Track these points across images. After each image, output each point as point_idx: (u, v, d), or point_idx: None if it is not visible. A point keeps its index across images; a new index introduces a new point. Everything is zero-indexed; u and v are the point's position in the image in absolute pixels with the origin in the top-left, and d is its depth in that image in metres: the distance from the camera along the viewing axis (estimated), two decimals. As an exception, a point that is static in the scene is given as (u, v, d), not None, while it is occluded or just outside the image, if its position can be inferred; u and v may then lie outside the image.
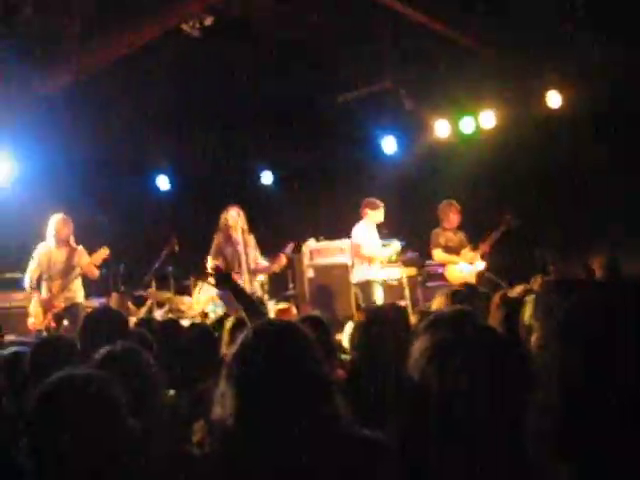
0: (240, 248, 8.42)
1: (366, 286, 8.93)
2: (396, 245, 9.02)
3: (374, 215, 9.09)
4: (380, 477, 1.87)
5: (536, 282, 6.04)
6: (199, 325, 5.56)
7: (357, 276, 9.08)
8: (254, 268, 8.54)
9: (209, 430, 2.05)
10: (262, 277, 9.03)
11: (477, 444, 1.45)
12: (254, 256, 8.58)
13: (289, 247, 8.82)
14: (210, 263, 8.10)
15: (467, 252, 9.07)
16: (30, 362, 3.42)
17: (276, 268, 8.69)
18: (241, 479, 1.86)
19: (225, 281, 3.89)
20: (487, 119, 10.36)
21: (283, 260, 8.58)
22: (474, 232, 9.36)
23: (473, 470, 1.44)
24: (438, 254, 9.17)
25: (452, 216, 9.13)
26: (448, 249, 9.12)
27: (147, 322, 5.42)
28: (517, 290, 4.92)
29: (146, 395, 2.36)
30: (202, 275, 9.17)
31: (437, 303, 4.65)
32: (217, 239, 8.53)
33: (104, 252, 8.31)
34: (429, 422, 1.52)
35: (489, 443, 1.45)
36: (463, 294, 4.61)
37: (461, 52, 9.72)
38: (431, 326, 1.64)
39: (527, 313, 2.72)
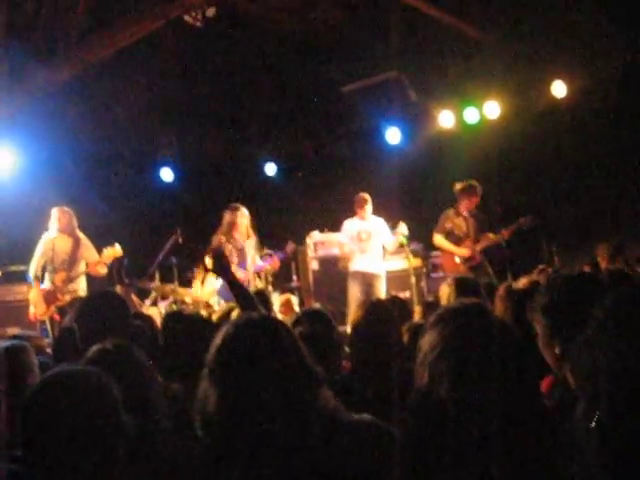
0: (242, 245, 8.43)
1: (348, 278, 9.06)
2: (403, 229, 8.89)
3: (365, 210, 9.10)
4: (376, 458, 1.86)
5: (541, 273, 6.02)
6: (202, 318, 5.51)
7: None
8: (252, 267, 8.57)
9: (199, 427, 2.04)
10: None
11: (491, 441, 1.43)
12: (253, 256, 8.58)
13: (289, 248, 8.87)
14: (209, 260, 8.18)
15: (466, 245, 8.87)
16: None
17: (269, 269, 8.75)
18: (230, 475, 1.85)
19: (222, 267, 3.77)
20: (491, 109, 10.30)
21: (277, 262, 8.68)
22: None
23: (488, 466, 1.42)
24: (438, 239, 9.00)
25: (467, 200, 8.89)
26: (452, 236, 8.95)
27: (145, 316, 5.40)
28: (522, 282, 4.89)
29: (140, 393, 2.34)
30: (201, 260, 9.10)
31: (444, 295, 4.62)
32: (218, 236, 8.47)
33: (116, 251, 8.16)
34: (440, 417, 1.50)
35: (504, 440, 1.43)
36: (468, 284, 4.59)
37: (466, 42, 9.67)
38: (441, 320, 1.61)
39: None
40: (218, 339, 1.98)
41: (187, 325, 3.99)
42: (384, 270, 9.15)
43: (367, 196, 9.11)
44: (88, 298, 3.97)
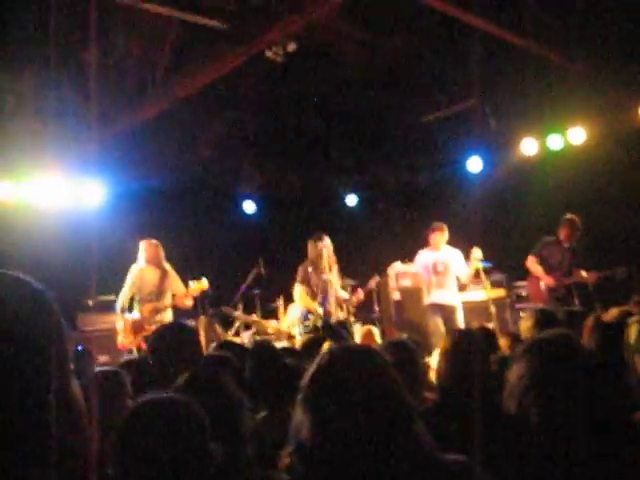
0: (327, 277, 8.43)
1: (426, 310, 8.98)
2: (477, 254, 8.74)
3: (435, 239, 8.99)
4: None
5: (635, 305, 5.82)
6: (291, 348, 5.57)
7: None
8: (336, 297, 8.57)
9: (293, 455, 2.03)
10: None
11: (581, 471, 1.39)
12: (336, 287, 8.59)
13: (373, 281, 8.90)
14: (298, 290, 8.27)
15: (555, 276, 8.68)
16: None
17: (354, 302, 8.73)
18: None
19: (330, 331, 3.89)
20: (576, 135, 10.09)
21: (361, 295, 8.73)
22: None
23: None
24: (530, 261, 8.91)
25: (561, 231, 8.83)
26: (546, 263, 8.80)
27: (233, 345, 5.47)
28: (612, 313, 4.74)
29: (228, 420, 2.37)
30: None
31: (524, 329, 4.52)
32: (305, 267, 8.54)
33: (203, 285, 8.35)
34: (530, 447, 1.46)
35: (594, 471, 1.39)
36: (547, 316, 4.48)
37: (548, 67, 9.52)
38: (528, 352, 1.58)
39: (632, 336, 2.60)
40: (313, 366, 1.97)
41: (274, 355, 4.03)
42: (460, 301, 9.03)
43: (439, 225, 9.03)
44: (158, 331, 4.05)
